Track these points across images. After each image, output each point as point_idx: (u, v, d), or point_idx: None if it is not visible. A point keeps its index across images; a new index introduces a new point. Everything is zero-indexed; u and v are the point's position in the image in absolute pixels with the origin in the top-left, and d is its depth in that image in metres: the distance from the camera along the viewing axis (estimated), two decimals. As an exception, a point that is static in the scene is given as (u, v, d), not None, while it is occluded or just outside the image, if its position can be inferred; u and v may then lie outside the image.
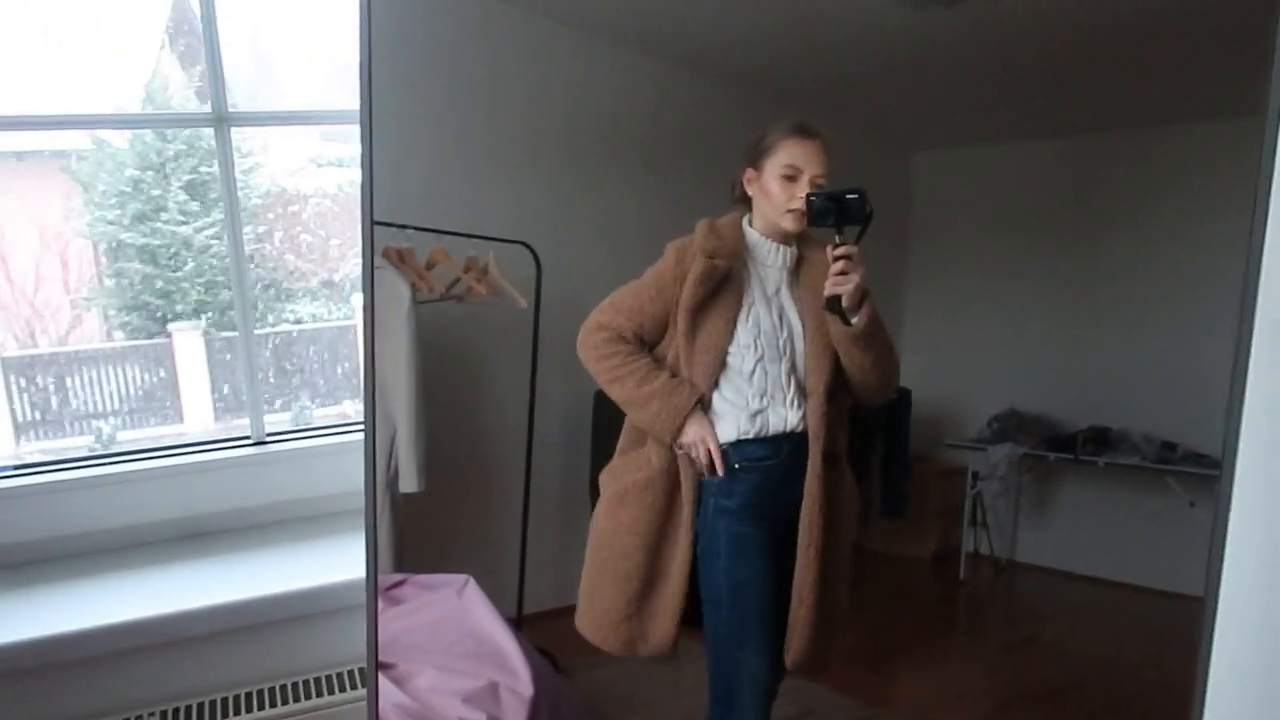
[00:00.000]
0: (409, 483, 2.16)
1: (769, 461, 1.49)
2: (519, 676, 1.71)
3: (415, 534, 2.38)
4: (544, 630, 2.78)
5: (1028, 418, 3.89)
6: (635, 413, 1.53)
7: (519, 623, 2.66)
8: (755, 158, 1.55)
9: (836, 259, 1.42)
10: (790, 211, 1.49)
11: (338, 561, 1.84)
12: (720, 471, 1.46)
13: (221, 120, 2.58)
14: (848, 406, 1.60)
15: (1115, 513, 3.90)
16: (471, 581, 1.92)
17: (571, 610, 3.05)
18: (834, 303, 1.43)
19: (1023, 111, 3.77)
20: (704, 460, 1.47)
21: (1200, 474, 3.32)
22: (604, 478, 1.60)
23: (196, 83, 3.85)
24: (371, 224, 1.22)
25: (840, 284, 1.41)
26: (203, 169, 4.24)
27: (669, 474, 1.50)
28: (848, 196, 1.43)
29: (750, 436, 1.47)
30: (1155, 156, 3.80)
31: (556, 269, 2.65)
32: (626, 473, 1.54)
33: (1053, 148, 4.14)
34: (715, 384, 1.47)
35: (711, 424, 1.47)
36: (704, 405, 1.48)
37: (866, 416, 1.78)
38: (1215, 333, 3.74)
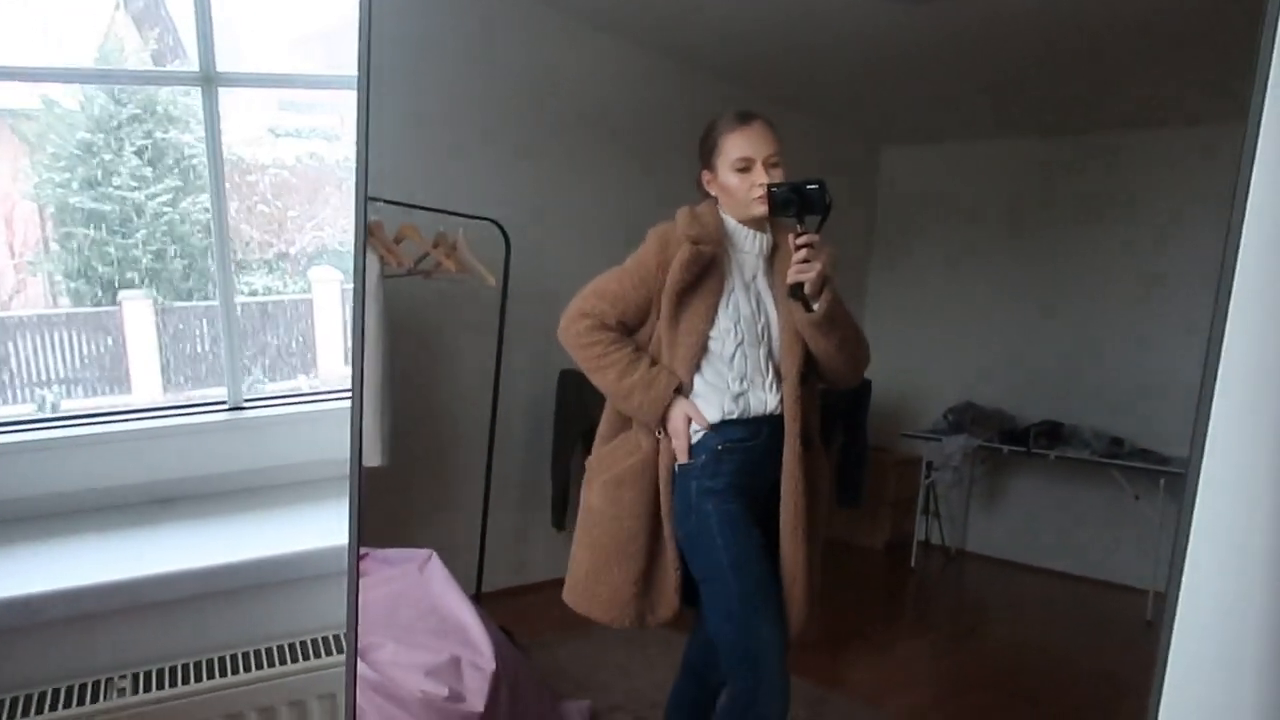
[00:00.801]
0: (372, 457, 2.14)
1: (749, 443, 1.52)
2: (481, 651, 1.71)
3: (377, 509, 2.36)
4: (502, 608, 2.78)
5: (983, 411, 3.97)
6: (619, 404, 1.56)
7: (478, 600, 2.66)
8: (706, 158, 1.57)
9: (798, 247, 1.44)
10: (756, 199, 1.52)
11: (311, 528, 1.82)
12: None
13: (209, 81, 2.50)
14: (818, 390, 1.62)
15: (1063, 505, 4.01)
16: (434, 557, 1.92)
17: (530, 589, 3.05)
18: (796, 290, 1.46)
19: (990, 110, 3.84)
20: (683, 448, 1.50)
21: (1145, 469, 3.42)
22: (594, 465, 1.61)
23: (152, 45, 3.75)
24: (366, 196, 1.20)
25: (802, 272, 1.44)
26: (157, 134, 4.14)
27: (659, 456, 1.53)
28: (808, 187, 1.46)
29: (734, 417, 1.51)
30: (1115, 160, 3.89)
31: (525, 248, 2.64)
32: (618, 459, 1.56)
33: (1017, 147, 4.22)
34: (697, 367, 1.50)
35: (693, 403, 1.50)
36: (683, 392, 1.51)
37: (826, 406, 1.81)
38: (1167, 334, 3.85)
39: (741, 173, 1.51)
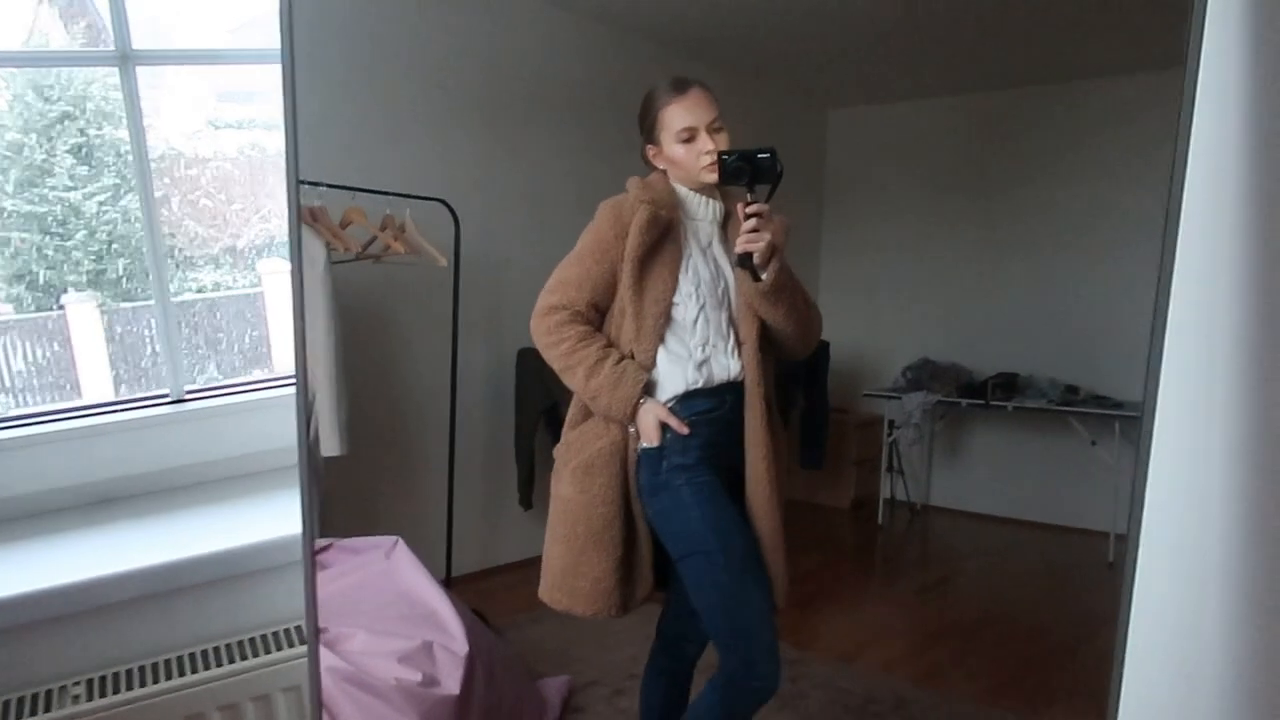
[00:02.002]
0: (330, 446, 2.11)
1: (715, 413, 1.49)
2: (453, 635, 1.69)
3: (339, 498, 2.33)
4: (473, 592, 2.77)
5: (940, 366, 4.02)
6: (587, 403, 1.52)
7: (448, 585, 2.64)
8: (648, 133, 1.53)
9: (748, 216, 1.41)
10: (705, 167, 1.48)
11: (265, 519, 1.75)
12: (684, 430, 1.46)
13: (126, 59, 2.40)
14: (773, 357, 1.59)
15: (1022, 455, 4.08)
16: (400, 543, 1.89)
17: (501, 570, 3.05)
18: (745, 259, 1.43)
19: (935, 68, 3.85)
20: (654, 441, 1.47)
21: (1101, 414, 3.49)
22: (562, 452, 1.55)
23: (80, 39, 3.63)
24: (297, 181, 1.13)
25: (751, 241, 1.41)
26: (91, 132, 4.02)
27: (628, 440, 1.50)
28: (759, 156, 1.44)
29: (699, 387, 1.48)
30: (1060, 112, 3.94)
31: (476, 227, 2.60)
32: (587, 443, 1.51)
33: (962, 104, 4.25)
34: (662, 339, 1.48)
35: (661, 406, 1.47)
36: (650, 389, 1.48)
37: (787, 369, 1.80)
38: (1116, 281, 3.92)
39: (686, 143, 1.48)
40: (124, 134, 4.03)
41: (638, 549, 1.53)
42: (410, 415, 2.73)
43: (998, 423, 3.98)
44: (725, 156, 1.45)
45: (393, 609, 1.72)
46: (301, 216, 2.22)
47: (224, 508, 1.94)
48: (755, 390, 1.49)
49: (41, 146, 3.97)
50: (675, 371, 1.48)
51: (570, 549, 1.51)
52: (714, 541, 1.43)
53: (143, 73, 2.48)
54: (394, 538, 1.88)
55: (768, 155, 1.43)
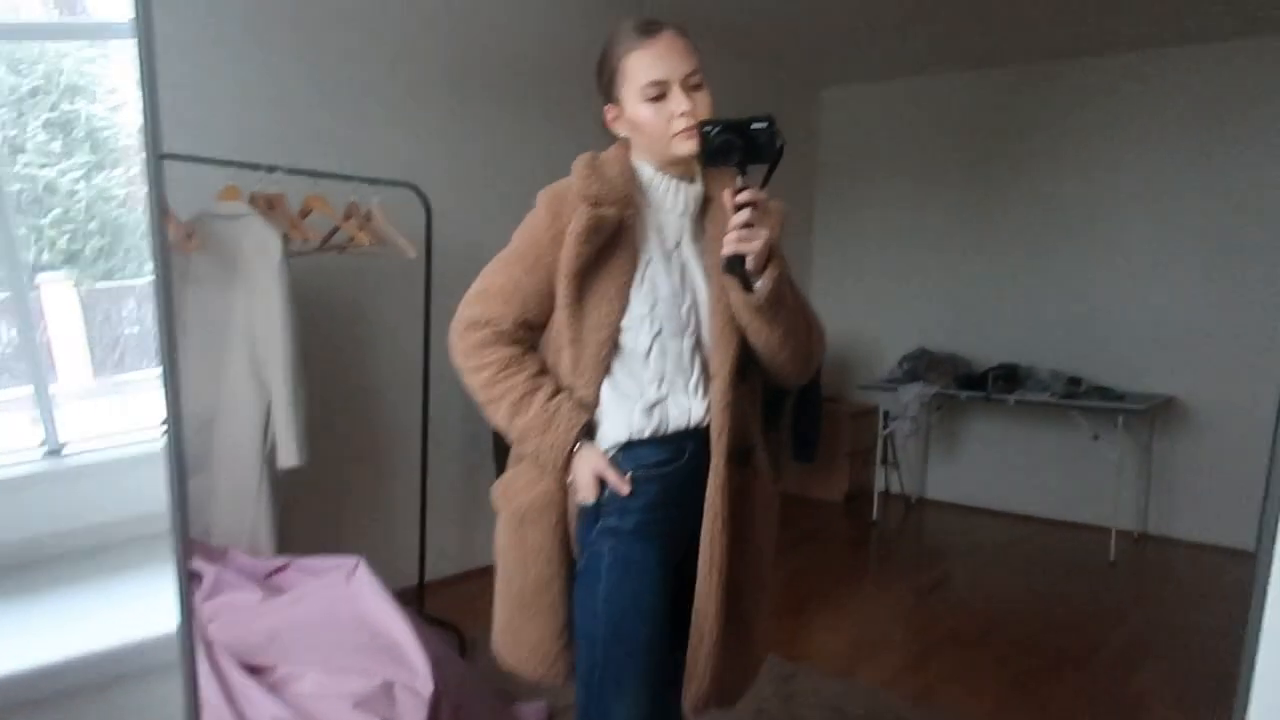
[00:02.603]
0: (289, 456, 1.95)
1: (669, 466, 1.17)
2: (417, 672, 1.54)
3: (300, 512, 2.18)
4: (448, 598, 2.62)
5: (938, 356, 3.86)
6: (515, 446, 1.22)
7: (421, 592, 2.50)
8: (608, 91, 1.18)
9: (739, 207, 1.07)
10: (678, 134, 1.12)
11: (161, 601, 1.24)
12: (625, 490, 1.16)
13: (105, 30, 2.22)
14: (760, 387, 1.26)
15: (1021, 448, 3.95)
16: (362, 564, 1.73)
17: (476, 574, 2.90)
18: (734, 263, 1.09)
19: (932, 43, 3.66)
20: (589, 498, 1.16)
21: (1104, 408, 3.35)
22: (499, 492, 1.26)
23: (57, 12, 3.46)
24: (157, 157, 0.81)
25: (744, 240, 1.07)
26: (64, 106, 3.84)
27: (566, 488, 1.21)
28: (754, 126, 1.09)
29: (645, 436, 1.16)
30: (1064, 90, 3.76)
31: (449, 213, 2.43)
32: (521, 488, 1.21)
33: (962, 81, 4.06)
34: (608, 370, 1.17)
35: (601, 455, 1.17)
36: (591, 431, 1.18)
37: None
38: (1116, 269, 3.76)
39: (655, 101, 1.12)
40: (98, 109, 3.84)
41: None
42: (380, 416, 2.57)
43: (996, 415, 3.84)
44: (708, 128, 1.10)
45: (351, 641, 1.57)
46: (255, 206, 2.05)
47: (110, 585, 1.59)
48: (719, 441, 1.16)
49: (14, 123, 3.77)
50: (620, 413, 1.17)
51: (506, 605, 1.25)
52: (604, 631, 1.14)
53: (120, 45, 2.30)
54: (356, 558, 1.73)
55: (765, 126, 1.10)
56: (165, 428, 0.86)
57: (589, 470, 1.16)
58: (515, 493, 1.22)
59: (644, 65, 1.14)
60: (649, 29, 1.16)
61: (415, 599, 2.49)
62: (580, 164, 1.18)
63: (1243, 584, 3.24)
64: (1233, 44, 3.26)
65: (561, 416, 1.16)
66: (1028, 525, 3.82)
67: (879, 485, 3.96)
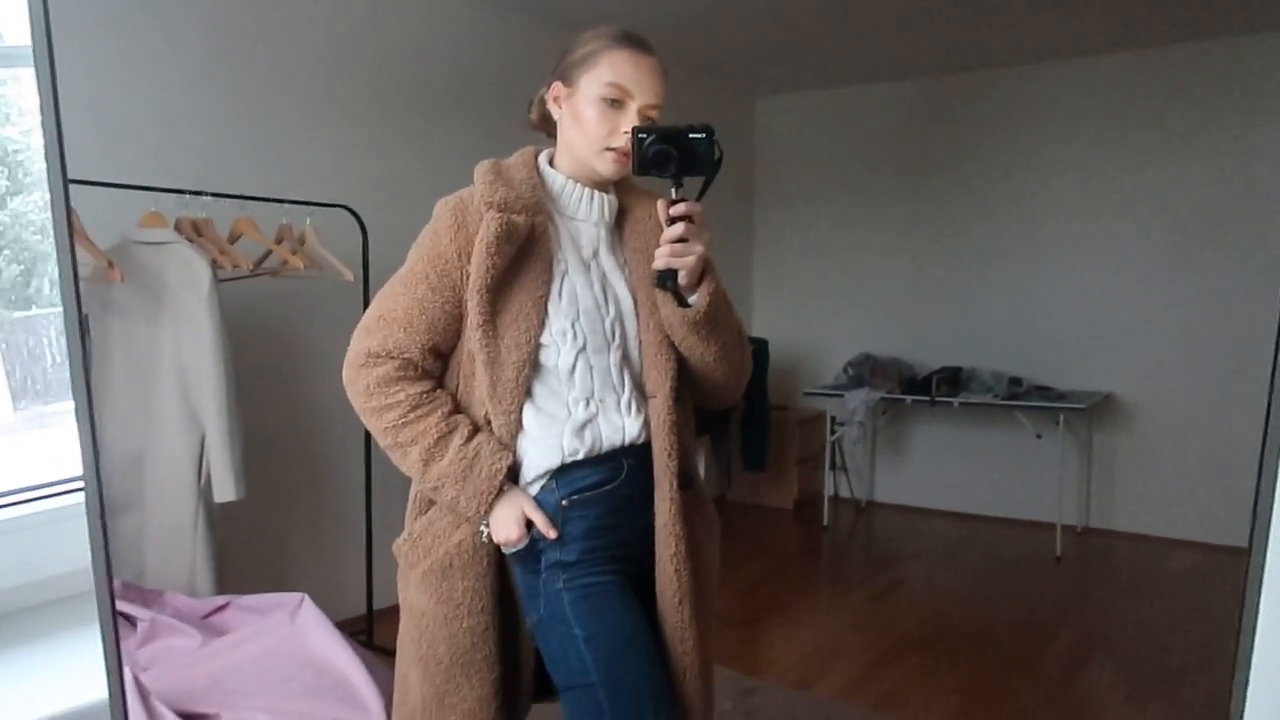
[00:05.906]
0: (226, 491, 1.88)
1: (606, 486, 1.10)
2: (368, 708, 1.49)
3: (239, 548, 2.10)
4: (397, 627, 2.54)
5: (881, 361, 3.90)
6: (428, 494, 1.11)
7: (370, 623, 2.43)
8: (568, 70, 1.11)
9: (674, 220, 1.02)
10: (609, 150, 1.08)
11: (85, 672, 1.11)
12: (552, 534, 1.07)
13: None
14: (690, 406, 1.18)
15: (966, 448, 4.00)
16: (306, 600, 1.67)
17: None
18: (667, 278, 1.05)
19: (868, 53, 3.70)
20: (514, 541, 1.07)
21: (1045, 407, 3.41)
22: (406, 550, 1.13)
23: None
24: (65, 181, 0.74)
25: (677, 254, 1.02)
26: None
27: None
28: (691, 136, 1.04)
29: (579, 458, 1.08)
30: (1001, 97, 3.83)
31: (385, 234, 2.37)
32: (439, 538, 1.10)
33: (897, 90, 4.10)
34: (528, 393, 1.08)
35: (527, 497, 1.08)
36: (514, 472, 1.08)
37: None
38: (1056, 270, 3.84)
39: (609, 105, 1.07)
40: (11, 132, 3.69)
41: (521, 658, 1.14)
42: (320, 444, 2.49)
43: (941, 417, 3.89)
44: (643, 135, 1.05)
45: (298, 682, 1.51)
46: (180, 231, 1.97)
47: (26, 654, 1.44)
48: (666, 464, 1.09)
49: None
50: (548, 437, 1.08)
51: (430, 676, 1.11)
52: (597, 672, 1.04)
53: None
54: (300, 594, 1.67)
55: (703, 136, 1.05)
56: (83, 478, 0.80)
57: (513, 514, 1.06)
58: (434, 541, 1.11)
59: (620, 68, 1.09)
60: (641, 44, 1.11)
61: (364, 629, 2.42)
62: (483, 169, 1.12)
63: (1182, 573, 3.30)
64: (1169, 49, 3.36)
65: (482, 462, 1.06)
66: (975, 524, 3.87)
67: (829, 490, 3.98)
